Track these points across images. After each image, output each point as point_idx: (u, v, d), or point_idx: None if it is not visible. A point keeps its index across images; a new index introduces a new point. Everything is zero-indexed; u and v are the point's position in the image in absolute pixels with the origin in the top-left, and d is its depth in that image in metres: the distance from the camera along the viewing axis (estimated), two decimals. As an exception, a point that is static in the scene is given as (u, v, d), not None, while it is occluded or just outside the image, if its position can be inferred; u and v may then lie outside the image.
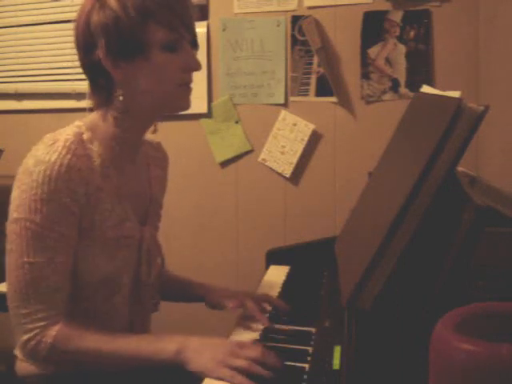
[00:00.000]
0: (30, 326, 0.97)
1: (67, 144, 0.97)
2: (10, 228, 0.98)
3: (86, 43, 1.01)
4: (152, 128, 1.13)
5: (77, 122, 1.05)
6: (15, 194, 0.98)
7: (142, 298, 1.14)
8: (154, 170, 1.22)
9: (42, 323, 0.97)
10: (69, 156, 0.96)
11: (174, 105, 1.06)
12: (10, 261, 0.97)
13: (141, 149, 1.16)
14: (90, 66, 1.03)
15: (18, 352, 1.10)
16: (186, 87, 1.05)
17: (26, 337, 0.97)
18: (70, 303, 1.03)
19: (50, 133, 1.02)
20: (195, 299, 1.28)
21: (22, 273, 0.96)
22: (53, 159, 0.95)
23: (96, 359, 0.99)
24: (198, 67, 1.04)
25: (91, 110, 1.09)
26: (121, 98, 1.02)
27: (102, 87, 1.04)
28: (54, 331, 0.97)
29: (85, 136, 1.02)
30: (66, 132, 1.01)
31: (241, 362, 0.89)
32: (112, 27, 0.97)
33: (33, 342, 0.97)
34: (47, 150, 0.96)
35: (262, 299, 1.20)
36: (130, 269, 1.10)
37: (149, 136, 1.20)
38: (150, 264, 1.13)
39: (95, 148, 1.02)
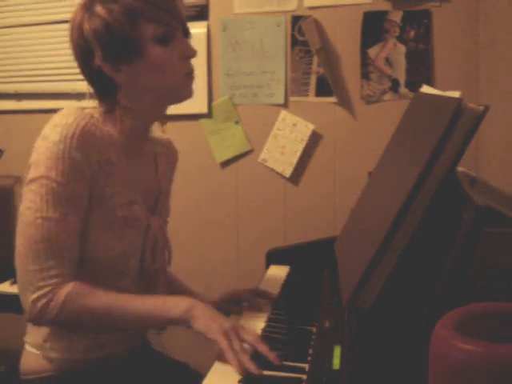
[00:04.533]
0: (42, 284, 0.97)
1: (83, 113, 1.02)
2: (27, 189, 1.00)
3: (83, 53, 1.04)
4: (160, 128, 1.16)
5: (86, 109, 1.08)
6: (32, 159, 1.01)
7: (149, 285, 1.16)
8: (162, 166, 1.24)
9: (54, 280, 0.97)
10: (85, 121, 1.00)
11: (177, 95, 1.09)
12: (24, 219, 0.99)
13: (147, 142, 1.19)
14: (91, 74, 1.06)
15: (27, 338, 1.11)
16: (189, 76, 1.08)
17: (36, 294, 0.97)
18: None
19: None
20: None
21: (35, 228, 0.97)
22: (69, 122, 0.99)
23: (105, 317, 1.00)
24: (194, 54, 1.07)
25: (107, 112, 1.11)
26: (125, 98, 1.05)
27: (107, 92, 1.07)
28: (65, 289, 0.97)
29: (97, 118, 1.05)
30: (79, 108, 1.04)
31: (236, 343, 0.91)
32: (104, 34, 1.01)
33: (44, 300, 0.96)
34: (63, 115, 1.00)
35: (254, 293, 1.25)
36: (136, 253, 1.12)
37: (158, 134, 1.24)
38: (154, 252, 1.14)
39: (107, 128, 1.05)
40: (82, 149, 0.98)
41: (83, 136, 0.99)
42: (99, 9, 1.01)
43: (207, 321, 0.95)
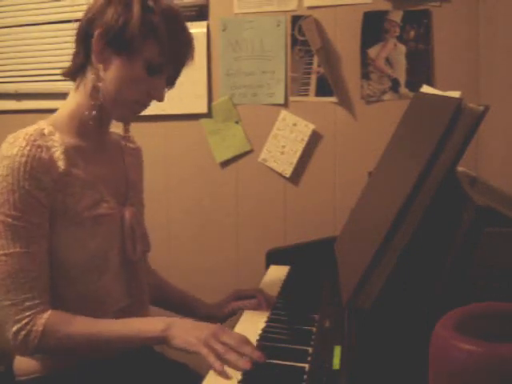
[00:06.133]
0: (18, 317, 0.98)
1: (26, 137, 1.02)
2: None
3: (93, 15, 1.05)
4: (123, 128, 1.19)
5: (39, 122, 1.09)
6: None
7: (131, 276, 1.17)
8: (128, 158, 1.26)
9: (29, 312, 0.98)
10: (28, 147, 1.01)
11: (117, 113, 1.11)
12: None
13: (107, 137, 1.20)
14: (83, 34, 1.07)
15: None
16: (138, 106, 1.10)
17: (16, 327, 0.98)
18: (62, 288, 1.05)
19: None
20: (191, 314, 1.33)
21: (0, 265, 0.99)
22: (14, 152, 1.00)
23: (85, 343, 1.00)
24: (160, 100, 1.10)
25: (65, 74, 1.14)
26: (92, 75, 1.07)
27: (80, 56, 1.09)
28: (43, 319, 0.99)
29: (45, 131, 1.06)
30: (27, 129, 1.05)
31: (218, 346, 0.92)
32: (121, 20, 1.02)
33: (23, 332, 0.98)
34: (10, 146, 1.02)
35: (257, 290, 1.27)
36: (114, 246, 1.12)
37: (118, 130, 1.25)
38: (134, 241, 1.15)
39: (56, 138, 1.06)
40: (31, 177, 0.99)
41: (30, 164, 0.99)
42: (137, 6, 1.02)
43: (184, 336, 0.96)
